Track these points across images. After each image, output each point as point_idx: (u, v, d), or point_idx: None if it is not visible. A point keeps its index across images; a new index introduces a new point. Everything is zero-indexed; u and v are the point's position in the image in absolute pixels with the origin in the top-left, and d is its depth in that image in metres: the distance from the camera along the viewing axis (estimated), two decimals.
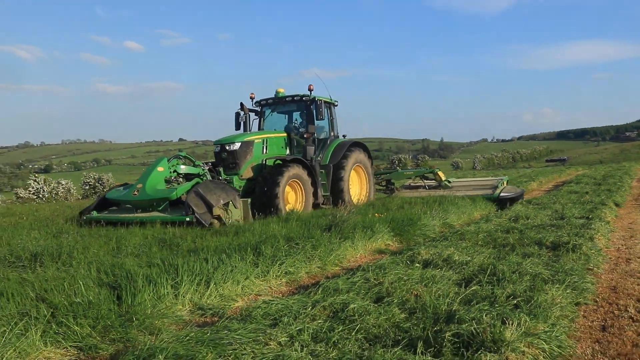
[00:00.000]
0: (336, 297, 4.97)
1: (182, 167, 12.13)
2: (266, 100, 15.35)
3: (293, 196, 12.99)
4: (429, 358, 3.64)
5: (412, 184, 18.96)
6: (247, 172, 13.11)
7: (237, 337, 3.91)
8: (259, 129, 15.40)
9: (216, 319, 5.10)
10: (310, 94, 14.52)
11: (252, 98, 15.56)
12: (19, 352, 4.11)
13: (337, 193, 14.42)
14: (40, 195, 32.56)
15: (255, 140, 13.53)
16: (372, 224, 9.51)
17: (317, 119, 14.39)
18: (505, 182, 17.37)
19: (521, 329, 3.99)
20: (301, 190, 13.11)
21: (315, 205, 13.80)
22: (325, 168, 14.46)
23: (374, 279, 5.75)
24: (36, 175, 36.76)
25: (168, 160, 11.96)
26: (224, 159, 13.11)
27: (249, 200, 11.49)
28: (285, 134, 14.68)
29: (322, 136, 15.37)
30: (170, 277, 5.65)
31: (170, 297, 5.45)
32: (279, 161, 12.90)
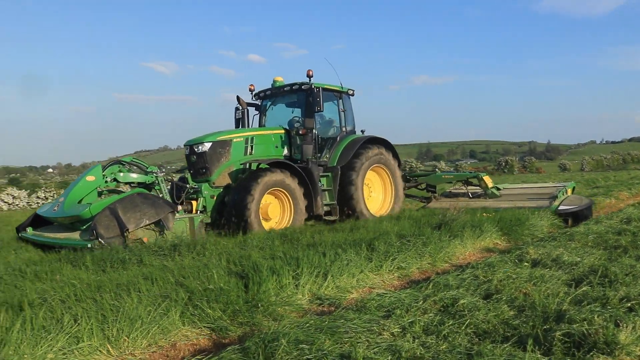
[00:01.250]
0: (446, 292, 4.88)
1: (128, 174, 9.32)
2: (264, 92, 12.39)
3: (277, 209, 10.23)
4: (539, 356, 3.45)
5: (452, 191, 15.07)
6: (221, 178, 10.35)
7: (353, 326, 3.93)
8: (260, 125, 12.47)
9: (333, 308, 5.13)
10: (310, 80, 11.29)
11: (251, 90, 12.70)
12: (162, 329, 4.40)
13: (345, 200, 11.19)
14: None
15: (234, 140, 10.61)
16: (481, 223, 9.20)
17: (315, 111, 10.99)
18: (569, 190, 13.07)
19: (636, 333, 3.67)
20: (288, 202, 10.27)
21: (317, 217, 11.07)
22: (333, 171, 11.33)
23: (483, 276, 5.58)
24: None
25: (104, 168, 9.09)
26: (193, 162, 10.38)
27: (200, 217, 9.29)
28: (282, 131, 11.55)
29: (330, 132, 12.17)
30: (291, 269, 5.76)
31: (291, 287, 5.55)
32: (265, 165, 10.20)
